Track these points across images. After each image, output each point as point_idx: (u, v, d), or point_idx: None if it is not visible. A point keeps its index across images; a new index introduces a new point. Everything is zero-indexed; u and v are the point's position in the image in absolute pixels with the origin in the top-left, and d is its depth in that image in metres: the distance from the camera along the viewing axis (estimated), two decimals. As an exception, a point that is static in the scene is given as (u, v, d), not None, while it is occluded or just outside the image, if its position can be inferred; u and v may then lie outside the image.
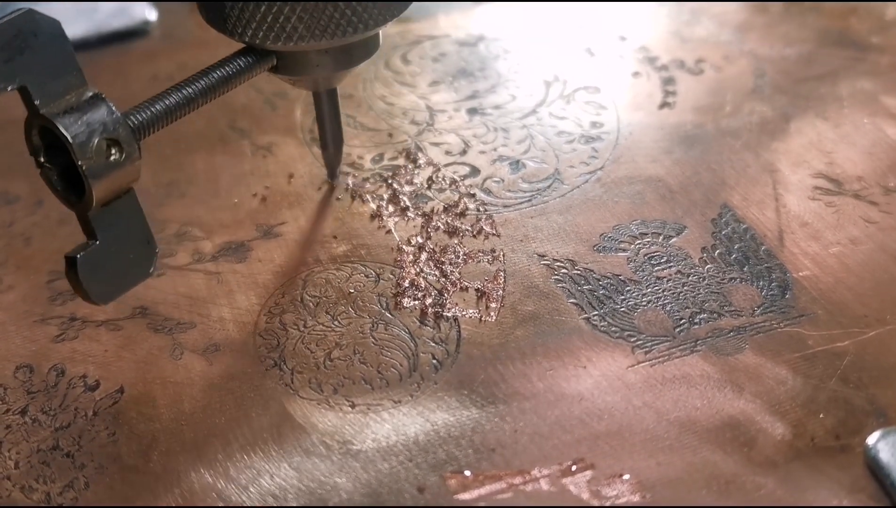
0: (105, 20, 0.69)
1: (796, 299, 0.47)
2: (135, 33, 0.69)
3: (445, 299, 0.47)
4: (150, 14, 0.70)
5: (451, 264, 0.49)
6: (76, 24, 0.69)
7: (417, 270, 0.49)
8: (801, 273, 0.48)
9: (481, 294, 0.48)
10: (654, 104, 0.60)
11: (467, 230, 0.51)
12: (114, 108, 0.38)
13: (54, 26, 0.36)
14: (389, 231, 0.51)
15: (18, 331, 0.47)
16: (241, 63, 0.43)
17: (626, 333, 0.45)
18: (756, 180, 0.53)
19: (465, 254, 0.50)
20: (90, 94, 0.37)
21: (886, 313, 0.46)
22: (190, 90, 0.42)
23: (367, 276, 0.49)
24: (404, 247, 0.50)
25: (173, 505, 0.40)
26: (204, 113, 0.61)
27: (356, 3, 0.42)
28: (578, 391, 0.43)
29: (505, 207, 0.52)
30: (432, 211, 0.52)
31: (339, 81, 0.49)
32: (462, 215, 0.52)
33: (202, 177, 0.56)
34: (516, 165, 0.55)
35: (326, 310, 0.47)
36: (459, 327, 0.46)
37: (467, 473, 0.40)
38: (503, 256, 0.50)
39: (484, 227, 0.51)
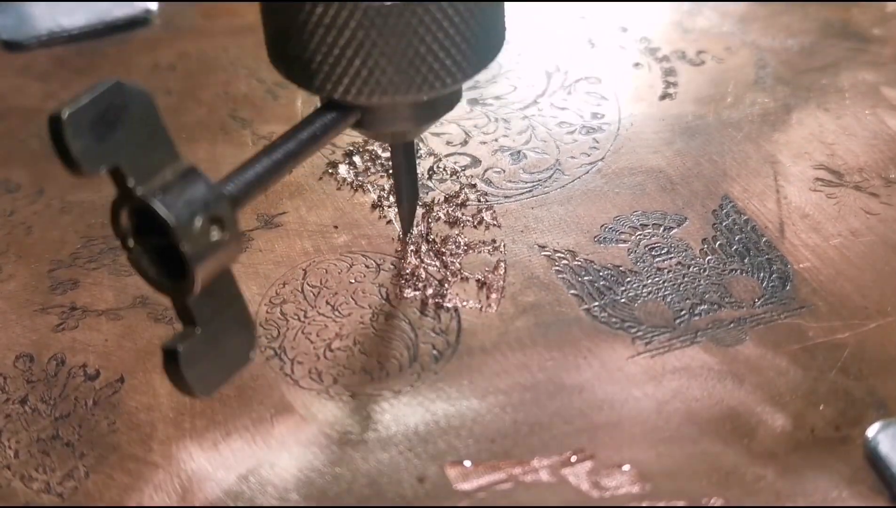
0: (107, 10, 0.69)
1: (797, 290, 0.47)
2: (136, 23, 0.69)
3: (446, 290, 0.47)
4: (152, 3, 0.70)
5: (451, 254, 0.49)
6: (78, 13, 0.69)
7: (418, 260, 0.49)
8: (801, 265, 0.48)
9: (482, 285, 0.48)
10: (655, 95, 0.60)
11: (468, 221, 0.51)
12: (211, 182, 0.35)
13: (144, 97, 0.33)
14: (390, 221, 0.51)
15: (19, 320, 0.47)
16: (326, 120, 0.40)
17: (627, 324, 0.45)
18: (757, 172, 0.53)
19: (465, 245, 0.50)
20: (185, 168, 0.34)
21: (887, 305, 0.46)
22: (279, 154, 0.38)
23: (367, 266, 0.49)
24: (405, 237, 0.50)
25: (174, 505, 0.40)
26: (205, 102, 0.61)
27: (455, 53, 0.39)
28: (578, 381, 0.43)
29: (506, 197, 0.52)
30: (433, 201, 0.52)
31: (418, 134, 0.46)
32: (463, 205, 0.52)
33: (203, 166, 0.55)
34: (517, 155, 0.55)
35: (327, 300, 0.47)
36: (460, 317, 0.46)
37: (467, 463, 0.40)
38: (504, 246, 0.50)
39: (485, 217, 0.51)
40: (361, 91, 0.39)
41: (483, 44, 0.40)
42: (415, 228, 0.50)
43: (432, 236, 0.50)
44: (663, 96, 0.60)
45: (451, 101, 0.43)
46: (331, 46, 0.38)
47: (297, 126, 0.40)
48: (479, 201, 0.52)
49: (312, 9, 0.37)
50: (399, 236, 0.50)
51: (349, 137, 0.57)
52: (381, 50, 0.38)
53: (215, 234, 0.34)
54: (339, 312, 0.47)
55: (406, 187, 0.48)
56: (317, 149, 0.41)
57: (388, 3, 0.36)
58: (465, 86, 0.60)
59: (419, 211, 0.51)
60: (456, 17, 0.38)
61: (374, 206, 0.52)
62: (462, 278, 0.48)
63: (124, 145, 0.33)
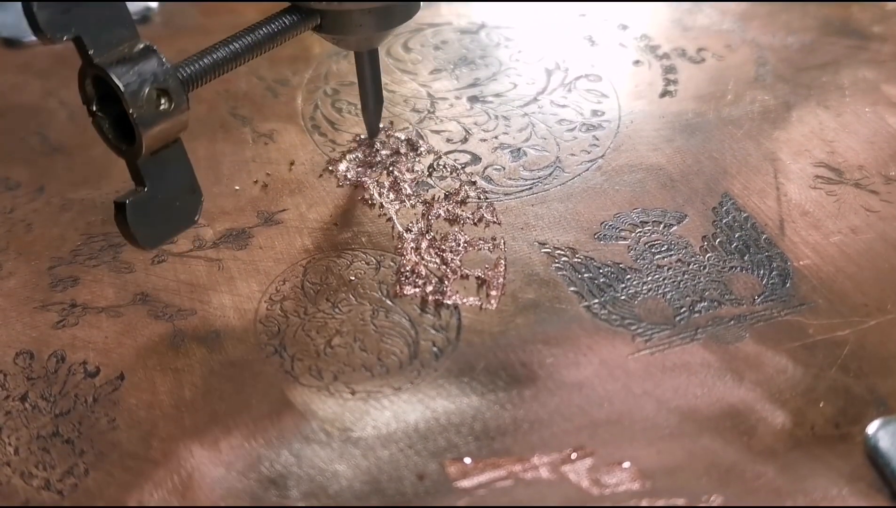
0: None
1: (797, 287, 0.47)
2: (136, 21, 0.69)
3: (446, 287, 0.47)
4: (153, 2, 0.70)
5: (451, 251, 0.49)
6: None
7: (418, 257, 0.49)
8: (801, 262, 0.48)
9: (482, 282, 0.48)
10: (655, 93, 0.60)
11: (468, 218, 0.51)
12: (164, 59, 0.39)
13: None
14: (390, 219, 0.51)
15: (19, 317, 0.47)
16: (286, 20, 0.44)
17: (627, 321, 0.45)
18: (757, 169, 0.53)
19: (465, 242, 0.50)
20: (141, 45, 0.39)
21: (887, 303, 0.46)
22: (237, 45, 0.43)
23: (367, 263, 0.49)
24: (405, 234, 0.50)
25: (174, 504, 0.40)
26: (205, 100, 0.61)
27: None
28: (578, 379, 0.43)
29: (506, 194, 0.52)
30: (433, 199, 0.52)
31: (380, 41, 0.49)
32: (463, 202, 0.52)
33: (203, 164, 0.56)
34: (517, 153, 0.55)
35: (327, 297, 0.47)
36: (460, 314, 0.46)
37: (467, 460, 0.40)
38: (504, 243, 0.50)
39: (485, 215, 0.51)
40: None
41: None
42: (415, 224, 0.51)
43: (432, 234, 0.50)
44: (663, 94, 0.60)
45: (409, 11, 0.47)
46: None
47: (258, 23, 0.44)
48: (480, 198, 0.52)
49: None
50: (400, 233, 0.50)
51: (350, 133, 0.57)
52: None
53: (163, 103, 0.39)
54: (339, 309, 0.47)
55: (371, 93, 0.52)
56: (273, 46, 0.44)
57: None
58: (464, 83, 0.61)
59: (419, 209, 0.51)
60: None
61: (373, 203, 0.52)
62: (462, 276, 0.48)
63: (87, 19, 0.37)
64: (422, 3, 0.48)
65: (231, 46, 0.43)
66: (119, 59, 0.38)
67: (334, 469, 0.40)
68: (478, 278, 0.48)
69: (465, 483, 0.39)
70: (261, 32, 0.44)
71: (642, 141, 0.56)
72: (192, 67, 0.42)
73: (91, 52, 0.38)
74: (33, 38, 0.67)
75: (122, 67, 0.38)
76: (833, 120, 0.57)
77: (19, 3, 0.69)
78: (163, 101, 0.39)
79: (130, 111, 0.38)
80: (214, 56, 0.42)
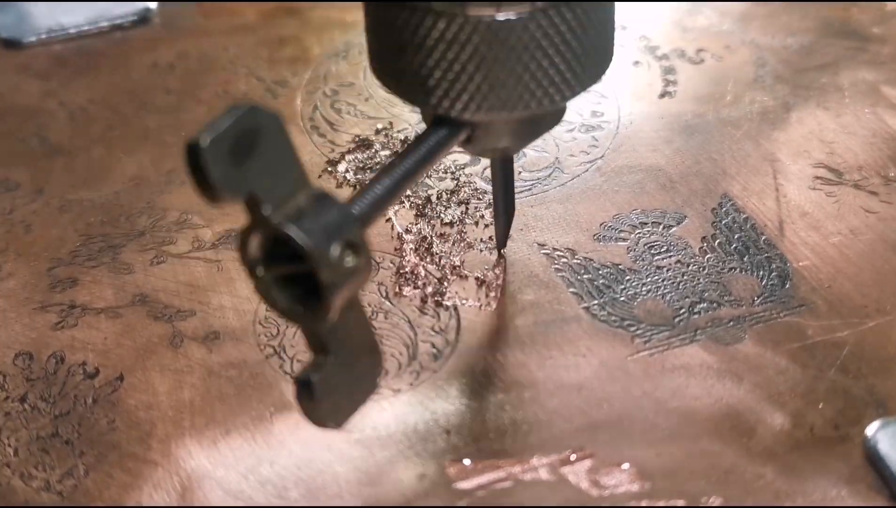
0: (107, 8, 0.69)
1: (796, 288, 0.47)
2: (136, 22, 0.69)
3: (445, 288, 0.47)
4: (152, 2, 0.70)
5: (450, 253, 0.49)
6: (77, 12, 0.69)
7: (417, 259, 0.49)
8: (801, 263, 0.48)
9: (481, 283, 0.48)
10: (654, 93, 0.60)
11: (467, 219, 0.51)
12: (346, 207, 0.34)
13: (276, 121, 0.32)
14: (389, 219, 0.51)
15: (18, 318, 0.47)
16: (440, 138, 0.39)
17: (626, 322, 0.45)
18: (756, 170, 0.53)
19: (464, 243, 0.50)
20: (317, 192, 0.33)
21: (886, 304, 0.46)
22: (399, 174, 0.37)
23: (367, 264, 0.49)
24: (404, 235, 0.50)
25: (173, 504, 0.40)
26: (205, 101, 0.61)
27: (575, 65, 0.38)
28: (578, 380, 0.43)
29: (505, 196, 0.52)
30: (432, 200, 0.52)
31: (518, 150, 0.46)
32: (462, 203, 0.52)
33: None
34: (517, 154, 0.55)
35: (326, 298, 0.47)
36: (459, 316, 0.46)
37: (467, 462, 0.40)
38: (503, 245, 0.50)
39: (484, 216, 0.51)
40: (480, 107, 0.38)
41: (597, 56, 0.39)
42: (414, 225, 0.51)
43: (431, 235, 0.50)
44: (663, 95, 0.60)
45: (557, 116, 0.42)
46: (451, 62, 0.37)
47: (411, 146, 0.39)
48: (479, 199, 0.52)
49: (434, 24, 0.36)
50: (399, 233, 0.50)
51: (349, 134, 0.57)
52: (503, 65, 0.36)
53: (349, 260, 0.33)
54: (339, 310, 0.47)
55: (503, 202, 0.47)
56: (431, 167, 0.40)
57: (512, 17, 0.35)
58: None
59: (418, 209, 0.51)
60: (577, 27, 0.37)
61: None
62: (461, 277, 0.48)
63: (259, 170, 0.31)
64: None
65: (394, 176, 0.37)
66: (297, 212, 0.32)
67: (334, 470, 0.40)
68: (477, 279, 0.48)
69: (465, 485, 0.39)
70: (418, 156, 0.38)
71: (641, 142, 0.56)
72: (364, 209, 0.36)
73: (265, 208, 0.31)
74: (32, 38, 0.67)
75: (305, 222, 0.32)
76: (832, 121, 0.57)
77: (19, 4, 0.70)
78: (348, 257, 0.33)
79: (321, 274, 0.32)
80: (378, 191, 0.36)
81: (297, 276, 0.33)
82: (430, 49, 0.36)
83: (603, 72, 0.41)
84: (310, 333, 0.34)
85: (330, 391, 0.34)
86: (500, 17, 0.35)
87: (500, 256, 0.49)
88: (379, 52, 0.40)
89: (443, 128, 0.39)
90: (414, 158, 0.38)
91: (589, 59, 0.38)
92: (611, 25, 0.40)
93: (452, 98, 0.37)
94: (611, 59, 0.41)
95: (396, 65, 0.38)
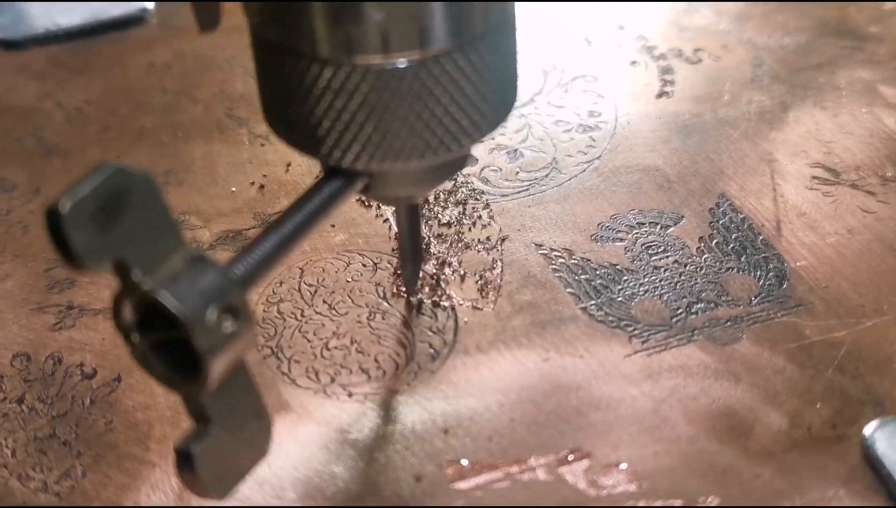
0: (103, 8, 0.69)
1: (793, 288, 0.47)
2: (133, 21, 0.69)
3: (443, 289, 0.47)
4: (149, 2, 0.70)
5: (448, 253, 0.49)
6: (74, 12, 0.69)
7: (415, 259, 0.49)
8: (798, 263, 0.48)
9: (479, 284, 0.48)
10: (651, 93, 0.60)
11: (465, 220, 0.51)
12: (223, 269, 0.32)
13: (147, 182, 0.30)
14: (387, 220, 0.51)
15: (16, 319, 0.47)
16: (333, 190, 0.37)
17: (623, 322, 0.45)
18: (754, 170, 0.53)
19: (462, 243, 0.50)
20: (192, 255, 0.31)
21: (883, 303, 0.46)
22: (287, 231, 0.35)
23: (364, 265, 0.49)
24: (402, 236, 0.50)
25: (169, 506, 0.40)
26: (201, 101, 0.61)
27: (472, 112, 0.36)
28: (575, 380, 0.43)
29: (502, 196, 0.52)
30: (430, 200, 0.52)
31: (423, 196, 0.45)
32: (459, 204, 0.52)
33: (200, 165, 0.56)
34: (514, 154, 0.55)
35: (324, 299, 0.47)
36: (456, 316, 0.46)
37: (464, 462, 0.40)
38: (500, 245, 0.49)
39: (481, 216, 0.51)
40: (373, 157, 0.36)
41: (499, 99, 0.37)
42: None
43: (429, 235, 0.50)
44: (660, 94, 0.60)
45: (461, 162, 0.40)
46: (340, 112, 0.35)
47: (303, 198, 0.37)
48: (476, 199, 0.52)
49: (320, 72, 0.34)
50: (396, 234, 0.50)
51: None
52: (394, 113, 0.35)
53: (228, 325, 0.31)
54: (336, 311, 0.47)
55: (410, 249, 0.45)
56: (325, 220, 0.37)
57: (401, 64, 0.33)
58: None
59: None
60: (473, 74, 0.35)
61: (370, 205, 0.52)
62: (459, 277, 0.48)
63: (128, 235, 0.30)
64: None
65: (281, 232, 0.35)
66: (170, 277, 0.30)
67: (331, 470, 0.40)
68: (474, 279, 0.48)
69: (462, 485, 0.39)
70: (309, 211, 0.36)
71: (639, 142, 0.56)
72: (248, 269, 0.34)
73: (135, 274, 0.30)
74: (30, 38, 0.67)
75: (178, 287, 0.30)
76: (829, 121, 0.57)
77: (15, 4, 0.70)
78: (227, 322, 0.31)
79: (195, 341, 0.30)
80: (266, 248, 0.34)
81: (176, 342, 0.31)
82: (318, 98, 0.35)
83: (505, 114, 0.38)
84: (189, 401, 0.32)
85: (212, 461, 0.33)
86: (389, 64, 0.33)
87: (409, 303, 0.47)
88: (269, 101, 0.38)
89: (337, 178, 0.37)
90: (305, 213, 0.36)
91: (487, 104, 0.36)
92: (512, 67, 0.38)
93: (343, 148, 0.36)
94: (514, 100, 0.39)
95: (286, 114, 0.37)
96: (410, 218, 0.44)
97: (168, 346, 0.31)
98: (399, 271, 0.48)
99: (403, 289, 0.48)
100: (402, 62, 0.33)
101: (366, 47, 0.33)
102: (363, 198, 0.52)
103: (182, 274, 0.30)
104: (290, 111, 0.36)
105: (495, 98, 0.37)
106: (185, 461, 0.32)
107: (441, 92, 0.34)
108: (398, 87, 0.34)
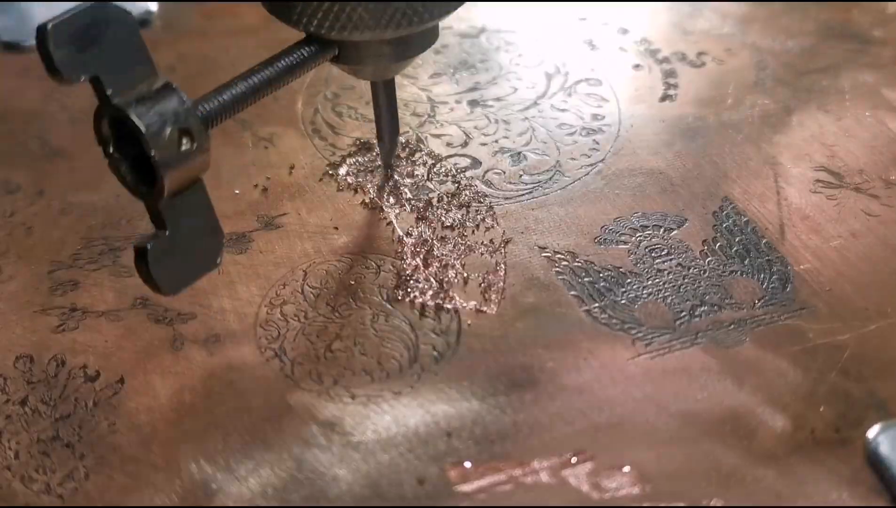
0: (106, 11, 0.69)
1: (797, 292, 0.47)
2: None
3: (446, 291, 0.47)
4: (152, 4, 0.70)
5: (451, 255, 0.49)
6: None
7: (418, 261, 0.49)
8: (802, 266, 0.48)
9: (482, 286, 0.48)
10: (655, 97, 0.60)
11: (468, 222, 0.51)
12: (185, 97, 0.37)
13: (124, 16, 0.36)
14: (390, 223, 0.51)
15: (19, 321, 0.47)
16: (304, 52, 0.43)
17: (627, 325, 0.45)
18: (757, 173, 0.53)
19: (465, 246, 0.50)
20: (161, 83, 0.37)
21: (887, 307, 0.46)
22: (256, 79, 0.42)
23: (367, 267, 0.49)
24: (405, 238, 0.50)
25: (170, 506, 0.40)
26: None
27: None
28: (579, 383, 0.43)
29: (506, 198, 0.52)
30: (433, 203, 0.52)
31: (397, 71, 0.48)
32: (463, 206, 0.52)
33: None
34: (517, 157, 0.55)
35: (327, 301, 0.47)
36: (460, 318, 0.46)
37: (467, 464, 0.40)
38: (504, 247, 0.49)
39: (485, 218, 0.51)
40: (333, 26, 0.42)
41: None
42: (415, 228, 0.51)
43: (432, 238, 0.50)
44: (663, 98, 0.60)
45: (427, 39, 0.45)
46: None
47: (276, 55, 0.42)
48: (480, 202, 0.52)
49: None
50: (400, 236, 0.50)
51: (350, 137, 0.57)
52: None
53: (185, 144, 0.37)
54: (339, 313, 0.47)
55: (387, 123, 0.51)
56: (292, 79, 0.43)
57: None
58: (464, 87, 0.61)
59: (419, 212, 0.51)
60: None
61: (373, 207, 0.52)
62: (462, 280, 0.48)
63: (105, 58, 0.35)
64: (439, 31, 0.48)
65: (250, 81, 0.41)
66: (138, 98, 0.36)
67: (334, 473, 0.40)
68: (478, 281, 0.48)
69: (466, 488, 0.39)
70: (279, 65, 0.42)
71: (642, 145, 0.56)
72: (213, 104, 0.40)
73: (109, 92, 0.36)
74: (34, 41, 0.67)
75: (141, 107, 0.36)
76: (833, 124, 0.57)
77: (20, 6, 0.70)
78: (184, 141, 0.37)
79: (152, 153, 0.36)
80: (234, 91, 0.41)
81: (144, 158, 0.37)
82: None
83: None
84: (151, 209, 0.38)
85: (163, 261, 0.39)
86: None
87: (388, 176, 0.53)
88: None
89: (310, 44, 0.43)
90: (274, 69, 0.42)
91: None
92: None
93: (309, 16, 0.42)
94: None
95: None
96: (387, 93, 0.49)
97: (139, 162, 0.38)
98: (400, 273, 0.48)
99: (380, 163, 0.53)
100: None
101: None
102: (366, 201, 0.52)
103: (149, 96, 0.36)
104: None
105: None
106: (140, 255, 0.38)
107: None
108: None
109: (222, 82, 0.41)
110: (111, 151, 0.38)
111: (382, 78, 0.48)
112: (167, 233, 0.39)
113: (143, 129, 0.36)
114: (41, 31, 0.34)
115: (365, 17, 0.41)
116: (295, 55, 0.43)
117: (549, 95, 0.60)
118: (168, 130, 0.36)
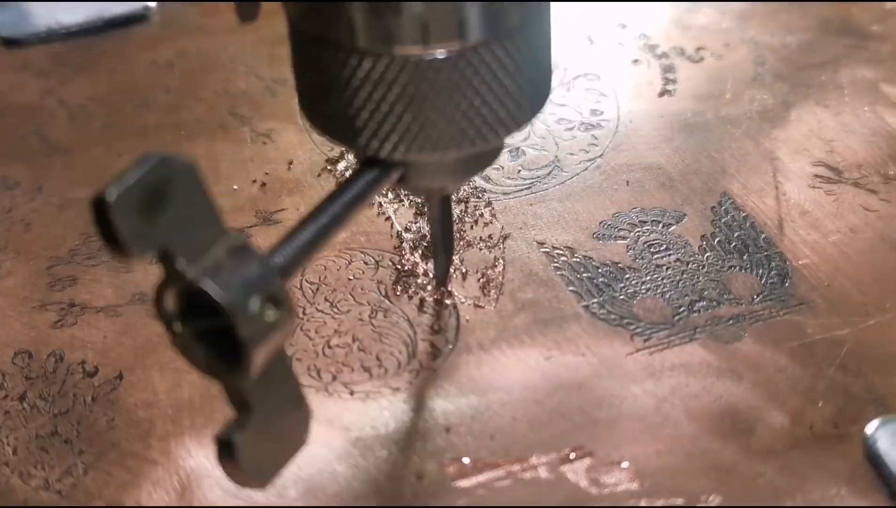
0: (106, 7, 0.69)
1: (795, 287, 0.47)
2: (135, 20, 0.69)
3: (445, 287, 0.47)
4: (151, 1, 0.70)
5: (450, 251, 0.49)
6: (77, 10, 0.69)
7: (417, 257, 0.49)
8: (800, 261, 0.48)
9: (480, 282, 0.48)
10: (654, 92, 0.60)
11: (466, 218, 0.51)
12: (265, 258, 0.32)
13: (190, 170, 0.30)
14: (389, 218, 0.51)
15: (17, 317, 0.47)
16: (369, 180, 0.37)
17: (626, 320, 0.45)
18: (756, 168, 0.53)
19: (464, 241, 0.50)
20: (235, 244, 0.31)
21: (885, 302, 0.46)
22: (325, 220, 0.36)
23: (366, 263, 0.49)
24: (403, 234, 0.50)
25: (171, 505, 0.40)
26: (204, 100, 0.61)
27: (508, 102, 0.36)
28: (577, 378, 0.43)
29: (504, 194, 0.52)
30: (432, 198, 0.52)
31: (455, 188, 0.45)
32: (461, 201, 0.52)
33: (202, 163, 0.55)
34: (516, 152, 0.55)
35: (325, 297, 0.47)
36: (458, 314, 0.46)
37: (466, 460, 0.40)
38: (502, 243, 0.49)
39: (483, 214, 0.51)
40: (411, 148, 0.36)
41: (534, 90, 0.38)
42: (414, 224, 0.50)
43: (429, 233, 0.50)
44: (662, 93, 0.60)
45: (495, 153, 0.41)
46: (379, 102, 0.35)
47: (341, 188, 0.37)
48: (478, 197, 0.52)
49: (359, 63, 0.34)
50: (398, 232, 0.50)
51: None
52: (433, 104, 0.35)
53: (270, 314, 0.31)
54: (338, 309, 0.47)
55: (442, 240, 0.45)
56: (361, 210, 0.38)
57: (440, 55, 0.34)
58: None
59: (418, 207, 0.51)
60: (510, 64, 0.35)
61: (372, 203, 0.52)
62: (461, 275, 0.48)
63: (172, 224, 0.29)
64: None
65: (320, 222, 0.35)
66: (214, 266, 0.30)
67: (333, 469, 0.40)
68: (476, 277, 0.48)
69: (464, 483, 0.39)
70: (346, 200, 0.36)
71: (641, 140, 0.56)
72: (288, 258, 0.34)
73: (180, 263, 0.30)
74: (32, 37, 0.67)
75: (221, 277, 0.30)
76: (832, 119, 0.57)
77: (18, 3, 0.70)
78: (269, 311, 0.31)
79: (238, 330, 0.30)
80: (304, 238, 0.35)
81: (218, 331, 0.31)
82: (357, 89, 0.35)
83: (540, 107, 0.39)
84: (231, 390, 0.33)
85: (253, 451, 0.33)
86: (428, 55, 0.34)
87: (442, 294, 0.47)
88: (306, 92, 0.38)
89: (373, 169, 0.38)
90: (342, 202, 0.36)
91: (524, 95, 0.37)
92: (547, 59, 0.38)
93: (381, 139, 0.36)
94: (549, 93, 0.39)
95: (324, 105, 0.37)
96: (443, 210, 0.44)
97: (207, 335, 0.31)
98: (399, 269, 0.48)
99: (435, 282, 0.48)
100: (440, 53, 0.34)
101: (405, 39, 0.34)
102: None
103: (225, 263, 0.31)
104: (328, 103, 0.36)
105: (530, 89, 0.37)
106: (226, 450, 0.32)
107: (479, 82, 0.35)
108: (436, 77, 0.34)
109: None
110: (178, 329, 0.32)
111: (441, 194, 0.43)
112: (252, 416, 0.32)
113: (227, 303, 0.30)
114: (101, 203, 0.28)
115: (445, 135, 0.36)
116: (360, 184, 0.37)
117: (548, 91, 0.60)
118: (253, 301, 0.30)
